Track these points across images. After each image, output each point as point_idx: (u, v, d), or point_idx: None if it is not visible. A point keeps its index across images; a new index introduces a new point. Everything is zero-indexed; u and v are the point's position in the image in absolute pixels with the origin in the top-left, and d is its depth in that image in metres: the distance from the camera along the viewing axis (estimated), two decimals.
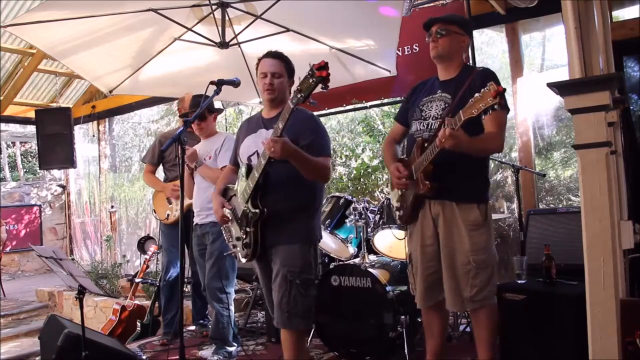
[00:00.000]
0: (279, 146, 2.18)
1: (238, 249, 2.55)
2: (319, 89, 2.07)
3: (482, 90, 1.97)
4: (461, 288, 2.34)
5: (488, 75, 2.34)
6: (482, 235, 2.34)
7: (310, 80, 2.05)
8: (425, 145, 2.33)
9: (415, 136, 2.47)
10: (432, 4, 4.49)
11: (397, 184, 2.45)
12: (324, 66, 2.03)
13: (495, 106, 1.94)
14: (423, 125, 2.45)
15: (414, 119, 2.52)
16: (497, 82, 2.16)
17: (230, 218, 2.59)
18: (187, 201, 3.24)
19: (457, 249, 2.34)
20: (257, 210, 2.37)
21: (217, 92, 2.41)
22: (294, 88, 2.15)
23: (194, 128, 3.40)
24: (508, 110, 2.34)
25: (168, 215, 3.78)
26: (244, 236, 2.46)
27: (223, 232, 2.72)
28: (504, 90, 1.94)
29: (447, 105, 2.38)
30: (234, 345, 3.40)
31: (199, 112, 2.60)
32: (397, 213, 2.59)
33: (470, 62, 4.00)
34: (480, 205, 2.35)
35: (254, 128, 2.57)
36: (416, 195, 2.40)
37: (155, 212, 3.98)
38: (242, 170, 2.51)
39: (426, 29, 2.49)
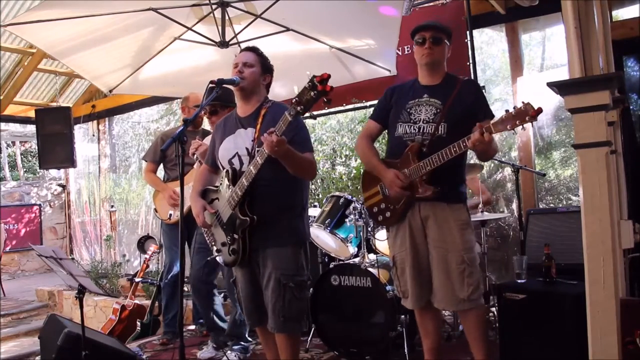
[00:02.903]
0: (282, 146, 2.14)
1: (223, 254, 2.49)
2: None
3: (516, 107, 2.05)
4: (456, 288, 2.35)
5: (475, 86, 2.57)
6: (470, 234, 2.43)
7: (312, 93, 1.97)
8: (424, 150, 2.37)
9: (404, 139, 2.46)
10: (432, 4, 4.50)
11: (396, 192, 2.43)
12: (326, 79, 1.94)
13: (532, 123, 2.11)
14: (414, 129, 2.44)
15: (400, 122, 2.49)
16: (482, 93, 2.44)
17: (212, 223, 2.53)
18: (187, 204, 3.18)
19: (450, 249, 2.37)
20: (246, 218, 2.32)
21: (217, 92, 2.41)
22: (293, 100, 2.06)
23: (208, 122, 3.36)
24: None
25: (170, 215, 3.76)
26: (231, 242, 2.40)
27: (205, 235, 2.64)
28: (541, 110, 2.00)
29: (438, 110, 2.41)
30: (250, 341, 3.44)
31: (199, 111, 2.60)
32: (381, 215, 2.57)
33: (470, 62, 4.02)
34: (464, 205, 2.47)
35: (231, 129, 2.50)
36: (411, 198, 2.41)
37: (156, 211, 3.96)
38: (227, 174, 2.43)
39: (415, 33, 2.47)
